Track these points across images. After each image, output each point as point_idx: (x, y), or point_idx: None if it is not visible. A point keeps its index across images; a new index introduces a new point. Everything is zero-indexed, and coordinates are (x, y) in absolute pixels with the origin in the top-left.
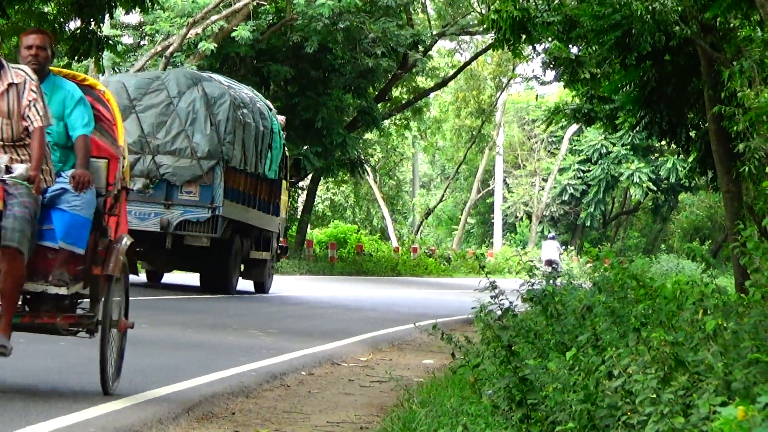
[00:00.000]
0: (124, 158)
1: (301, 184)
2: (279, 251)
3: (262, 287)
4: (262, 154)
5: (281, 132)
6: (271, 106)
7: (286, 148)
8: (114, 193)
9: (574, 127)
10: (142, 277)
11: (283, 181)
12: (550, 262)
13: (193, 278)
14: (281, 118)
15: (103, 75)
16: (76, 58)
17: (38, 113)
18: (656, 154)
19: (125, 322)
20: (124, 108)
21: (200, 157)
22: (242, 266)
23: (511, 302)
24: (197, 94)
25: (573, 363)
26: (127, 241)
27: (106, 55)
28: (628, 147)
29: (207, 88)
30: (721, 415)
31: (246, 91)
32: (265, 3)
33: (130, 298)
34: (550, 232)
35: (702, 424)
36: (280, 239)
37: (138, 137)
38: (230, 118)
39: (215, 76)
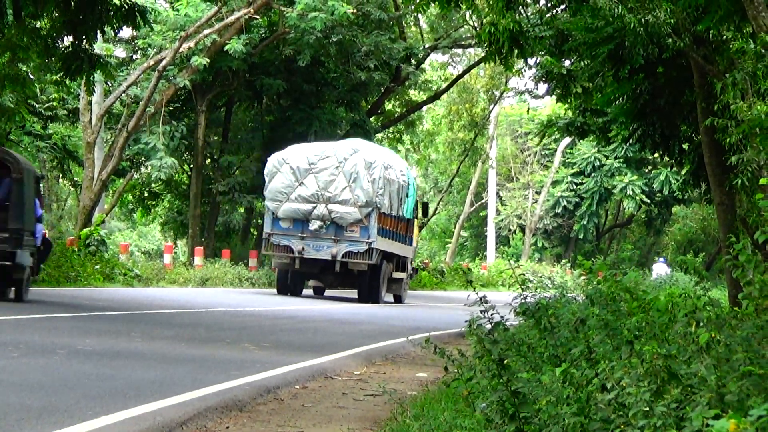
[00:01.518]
0: None
1: None
2: (412, 271)
3: (399, 298)
4: (402, 200)
5: (414, 183)
6: (407, 165)
7: (417, 194)
8: None
9: (567, 139)
10: (309, 291)
11: (415, 220)
12: None
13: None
14: (414, 173)
15: (92, 95)
16: (68, 75)
17: None
18: (649, 167)
19: None
20: (305, 170)
21: (360, 206)
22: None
23: (502, 316)
24: (358, 159)
25: (566, 376)
26: None
27: (98, 71)
28: (621, 160)
29: (365, 155)
30: (713, 427)
31: (391, 154)
32: (258, 17)
33: (129, 312)
34: (660, 256)
35: None
36: (412, 262)
37: (316, 191)
38: (381, 176)
39: (370, 144)
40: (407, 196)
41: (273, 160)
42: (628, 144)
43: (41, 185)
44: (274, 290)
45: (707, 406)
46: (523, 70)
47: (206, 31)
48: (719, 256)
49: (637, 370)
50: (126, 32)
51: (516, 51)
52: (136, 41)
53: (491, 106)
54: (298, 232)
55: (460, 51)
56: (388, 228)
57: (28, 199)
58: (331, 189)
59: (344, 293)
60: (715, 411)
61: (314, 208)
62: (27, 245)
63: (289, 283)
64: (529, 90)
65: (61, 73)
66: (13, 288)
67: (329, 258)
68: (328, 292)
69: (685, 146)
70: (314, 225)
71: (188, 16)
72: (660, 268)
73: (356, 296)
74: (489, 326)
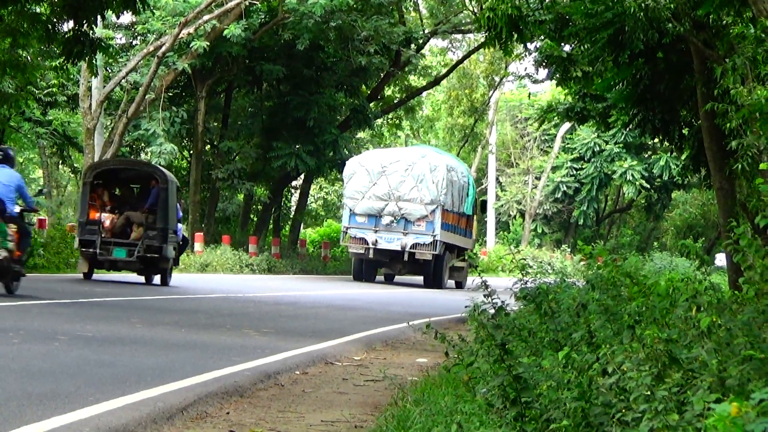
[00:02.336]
0: None
1: (294, 183)
2: None
3: (461, 285)
4: (462, 198)
5: (473, 183)
6: (467, 167)
7: (477, 193)
8: None
9: (567, 125)
10: (380, 278)
11: (474, 215)
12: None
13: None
14: (474, 175)
15: (95, 77)
16: (69, 60)
17: None
18: (649, 152)
19: None
20: (379, 173)
21: (426, 204)
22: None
23: (503, 301)
24: (424, 163)
25: (567, 361)
26: None
27: (99, 56)
28: (621, 145)
29: (430, 160)
30: (715, 411)
31: (452, 159)
32: (257, 2)
33: (129, 298)
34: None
35: (696, 421)
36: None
37: (388, 190)
38: (444, 178)
39: (435, 150)
40: (467, 195)
41: (351, 164)
42: (627, 129)
43: (180, 193)
44: (275, 276)
45: (708, 390)
46: (523, 55)
47: (206, 17)
48: (719, 241)
49: (639, 355)
50: (126, 18)
51: (515, 36)
52: (135, 27)
53: (491, 92)
54: (372, 226)
55: (459, 36)
56: (451, 223)
57: (172, 204)
58: (400, 189)
59: (411, 280)
60: (716, 395)
61: (386, 205)
62: (171, 241)
63: (363, 271)
64: (529, 75)
65: (63, 58)
66: (158, 275)
67: (399, 249)
68: (397, 278)
69: (685, 131)
70: (386, 220)
71: (187, 1)
72: (720, 260)
73: (422, 282)
74: (492, 311)
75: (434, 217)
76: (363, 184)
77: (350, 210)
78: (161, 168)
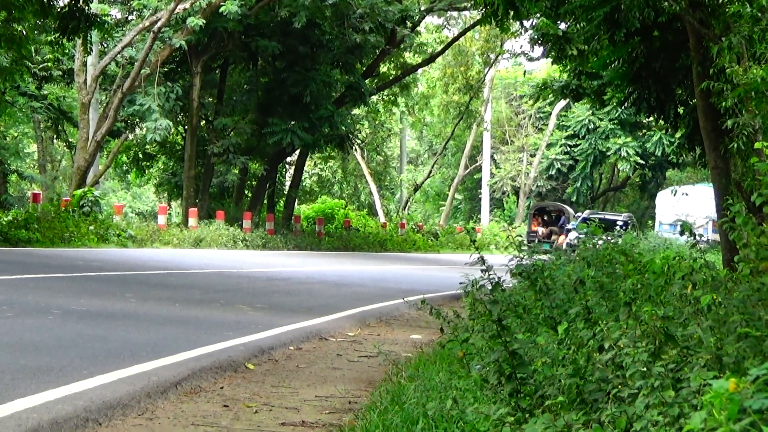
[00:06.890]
0: None
1: (288, 159)
2: None
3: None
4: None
5: None
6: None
7: None
8: None
9: (562, 102)
10: None
11: None
12: None
13: None
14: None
15: (90, 54)
16: (65, 35)
17: None
18: (644, 130)
19: None
20: (677, 200)
21: (704, 218)
22: None
23: (499, 277)
24: (702, 195)
25: (563, 337)
26: None
27: (95, 31)
28: (616, 122)
29: (705, 194)
30: (712, 387)
31: None
32: None
33: (123, 273)
34: None
35: (692, 398)
36: None
37: (682, 210)
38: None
39: (708, 186)
40: None
41: (661, 194)
42: (623, 107)
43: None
44: (269, 252)
45: (705, 367)
46: (519, 33)
47: None
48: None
49: (635, 331)
50: None
51: (512, 13)
52: (131, 2)
53: (486, 69)
54: (672, 231)
55: (455, 13)
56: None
57: (566, 223)
58: (688, 209)
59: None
60: (713, 373)
61: (679, 218)
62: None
63: None
64: (525, 52)
65: (58, 33)
66: None
67: None
68: None
69: (680, 110)
70: (678, 227)
71: None
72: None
73: None
74: (489, 287)
75: (708, 226)
76: (668, 206)
77: (660, 221)
78: (565, 206)
